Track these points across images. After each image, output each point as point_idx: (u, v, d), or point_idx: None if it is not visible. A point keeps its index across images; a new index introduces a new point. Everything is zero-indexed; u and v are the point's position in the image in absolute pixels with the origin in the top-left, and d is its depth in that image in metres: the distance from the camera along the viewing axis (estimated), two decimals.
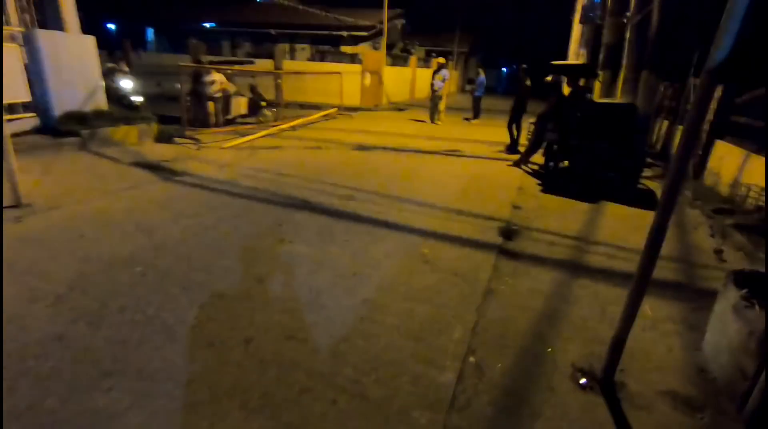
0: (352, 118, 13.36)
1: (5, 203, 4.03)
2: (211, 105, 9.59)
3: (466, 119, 13.69)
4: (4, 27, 6.29)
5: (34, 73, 6.06)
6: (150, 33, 24.48)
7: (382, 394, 2.03)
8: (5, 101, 5.90)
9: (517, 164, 7.27)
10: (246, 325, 2.51)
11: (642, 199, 5.76)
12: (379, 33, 19.64)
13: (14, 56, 5.74)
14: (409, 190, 5.57)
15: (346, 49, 20.83)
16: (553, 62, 6.52)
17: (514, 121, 8.62)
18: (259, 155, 7.41)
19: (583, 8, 9.37)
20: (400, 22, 23.04)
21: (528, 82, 8.51)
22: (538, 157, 7.46)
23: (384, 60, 17.06)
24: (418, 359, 2.29)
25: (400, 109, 16.79)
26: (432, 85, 11.86)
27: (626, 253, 3.88)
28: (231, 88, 10.78)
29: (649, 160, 7.06)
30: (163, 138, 7.71)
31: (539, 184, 6.28)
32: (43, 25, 7.14)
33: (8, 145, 3.87)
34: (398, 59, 21.03)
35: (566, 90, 7.25)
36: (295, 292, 2.92)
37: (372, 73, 16.70)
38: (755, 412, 1.86)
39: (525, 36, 40.07)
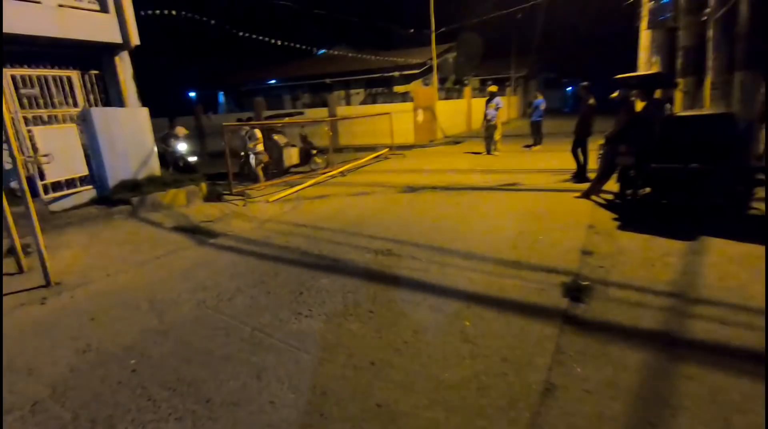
0: (405, 156, 13.00)
1: (35, 285, 4.02)
2: (255, 160, 9.68)
3: (527, 146, 12.70)
4: (69, 109, 6.83)
5: (90, 147, 6.43)
6: (221, 96, 26.76)
7: None
8: (65, 176, 6.29)
9: (586, 195, 6.26)
10: None
11: (755, 230, 4.51)
12: (430, 69, 19.56)
13: (71, 134, 6.12)
14: (455, 238, 4.88)
15: (399, 88, 20.97)
16: (618, 76, 5.60)
17: (579, 145, 7.61)
18: (302, 207, 7.19)
19: (651, 12, 8.28)
20: (451, 56, 22.89)
21: (591, 101, 7.50)
22: (612, 184, 6.38)
23: (435, 95, 16.78)
24: None
25: (456, 142, 16.19)
26: (485, 114, 11.18)
27: (751, 317, 2.83)
28: (282, 139, 10.99)
29: (759, 175, 5.67)
30: (212, 197, 7.82)
31: (615, 219, 5.24)
32: (107, 103, 7.73)
33: (36, 225, 3.87)
34: (451, 92, 20.67)
35: (639, 105, 6.21)
36: (293, 394, 2.35)
37: (424, 109, 16.42)
38: None
39: (590, 51, 37.95)
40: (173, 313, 3.42)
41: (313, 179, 9.58)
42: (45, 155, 5.87)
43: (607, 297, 3.25)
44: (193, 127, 17.39)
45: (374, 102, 18.43)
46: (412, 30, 17.57)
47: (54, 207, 6.14)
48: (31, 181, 5.75)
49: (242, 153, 10.12)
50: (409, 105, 16.73)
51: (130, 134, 6.87)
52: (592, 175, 6.95)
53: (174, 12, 13.41)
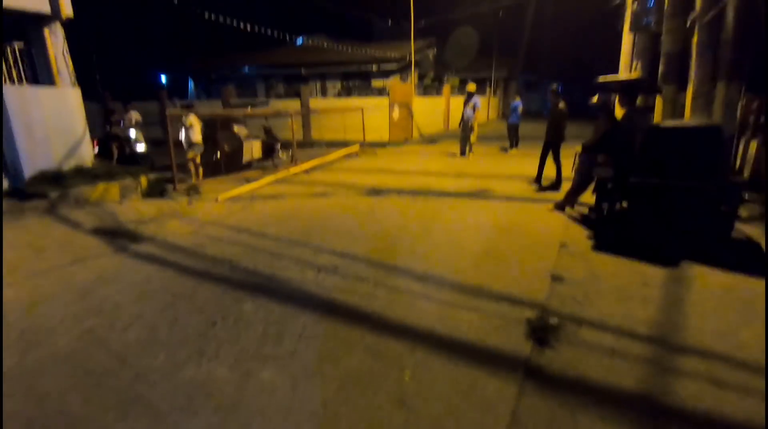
0: (376, 155, 12.38)
1: None
2: (190, 153, 8.65)
3: (504, 149, 12.27)
4: None
5: (2, 131, 5.56)
6: (191, 82, 25.46)
7: None
8: None
9: (560, 207, 5.78)
10: None
11: (743, 256, 4.10)
12: (410, 64, 18.93)
13: None
14: (413, 254, 4.30)
15: (377, 83, 20.29)
16: (600, 78, 5.12)
17: (552, 151, 7.17)
18: (253, 207, 6.48)
19: (635, 14, 7.89)
20: (431, 52, 22.29)
21: (561, 104, 7.05)
22: (588, 195, 5.92)
23: (413, 91, 16.17)
24: None
25: (433, 142, 15.66)
26: (462, 115, 10.66)
27: (747, 375, 2.34)
28: (242, 131, 10.20)
29: (744, 195, 5.31)
30: (154, 192, 7.02)
31: (590, 237, 4.77)
32: (35, 81, 6.81)
33: None
34: (430, 90, 20.11)
35: (619, 112, 5.76)
36: None
37: (400, 105, 15.81)
38: None
39: (572, 53, 37.88)
40: (45, 347, 2.71)
41: (273, 176, 8.85)
42: None
43: (577, 340, 2.72)
44: (157, 114, 16.29)
45: (349, 95, 17.73)
46: (389, 21, 16.83)
47: None
48: None
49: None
50: (384, 100, 16.10)
51: (54, 118, 6.01)
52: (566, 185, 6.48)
53: None
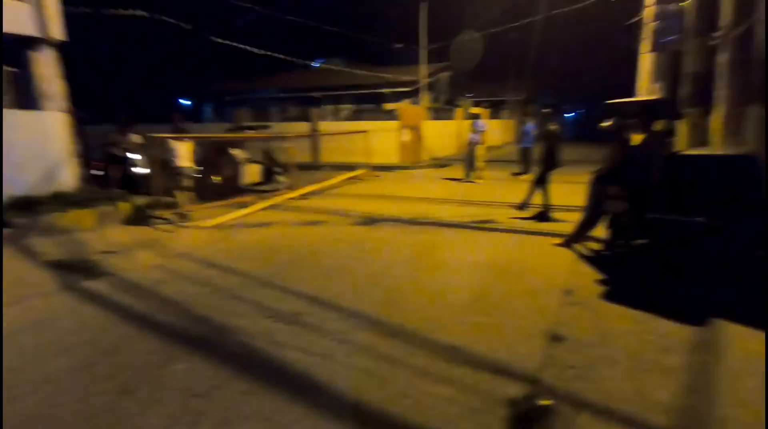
0: (381, 179, 11.93)
1: None
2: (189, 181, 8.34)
3: (515, 174, 11.64)
4: None
5: None
6: (208, 106, 25.92)
7: None
8: None
9: (568, 243, 5.13)
10: None
11: None
12: (424, 87, 18.68)
13: None
14: (392, 301, 3.73)
15: (389, 106, 20.10)
16: (611, 101, 4.54)
17: (541, 178, 6.61)
18: (235, 237, 6.06)
19: (655, 32, 7.32)
20: (445, 75, 22.09)
21: (554, 127, 6.52)
22: (600, 229, 5.25)
23: (422, 114, 15.82)
24: None
25: (443, 166, 15.15)
26: (468, 139, 10.17)
27: None
28: (240, 154, 9.92)
29: None
30: (138, 219, 6.68)
31: (600, 281, 4.11)
32: (25, 105, 6.66)
33: None
34: (442, 113, 19.75)
35: (636, 138, 5.13)
36: None
37: (411, 128, 15.44)
38: None
39: (598, 76, 37.05)
40: None
41: (268, 201, 8.47)
42: None
43: None
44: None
45: (359, 119, 17.50)
46: (399, 45, 16.66)
47: None
48: None
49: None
50: (394, 124, 15.77)
51: (31, 142, 5.79)
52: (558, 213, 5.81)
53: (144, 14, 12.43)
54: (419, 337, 3.06)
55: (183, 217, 7.43)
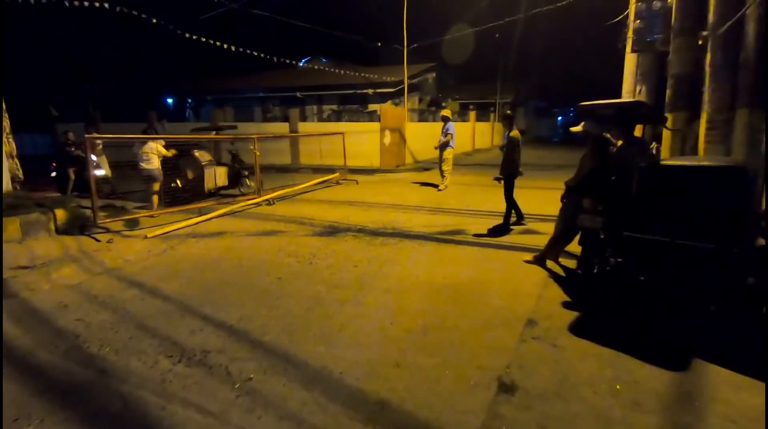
0: (357, 184, 11.38)
1: None
2: (155, 185, 7.88)
3: (496, 179, 11.12)
4: None
5: None
6: (188, 104, 25.19)
7: None
8: None
9: (539, 260, 4.63)
10: None
11: None
12: (408, 88, 18.15)
13: None
14: (322, 334, 3.19)
15: (374, 107, 19.56)
16: (583, 104, 4.05)
17: (504, 187, 6.21)
18: (178, 249, 5.49)
19: (636, 31, 6.87)
20: (431, 76, 21.59)
21: (514, 133, 6.10)
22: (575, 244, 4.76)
23: (405, 116, 15.28)
24: None
25: (426, 169, 14.63)
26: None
27: None
28: (204, 156, 9.33)
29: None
30: (75, 226, 6.08)
31: (569, 305, 3.61)
32: None
33: None
34: (426, 114, 19.26)
35: (618, 144, 4.64)
36: None
37: (392, 130, 14.91)
38: None
39: (586, 76, 36.85)
40: None
41: (229, 208, 7.89)
42: None
43: None
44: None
45: (339, 119, 16.96)
46: (378, 44, 16.14)
47: None
48: None
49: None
50: (375, 125, 15.25)
51: None
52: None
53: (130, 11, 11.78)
54: (342, 388, 2.52)
55: (133, 224, 6.86)
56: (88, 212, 6.38)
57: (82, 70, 27.67)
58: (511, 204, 6.26)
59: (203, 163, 9.12)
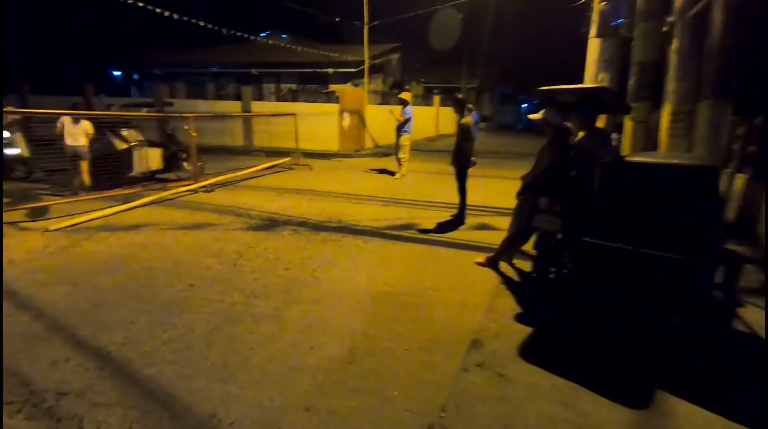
0: (310, 169, 10.66)
1: None
2: (83, 164, 7.09)
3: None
4: None
5: None
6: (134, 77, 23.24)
7: None
8: None
9: (492, 262, 4.19)
10: None
11: (748, 373, 2.56)
12: (371, 69, 17.36)
13: None
14: (218, 364, 2.59)
15: (334, 87, 18.66)
16: (543, 88, 3.57)
17: (456, 178, 5.73)
18: (81, 245, 4.69)
19: (602, 15, 6.49)
20: (395, 57, 20.82)
21: (465, 119, 5.59)
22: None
23: (365, 98, 14.56)
24: None
25: (386, 154, 14.03)
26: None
27: None
28: (133, 136, 8.33)
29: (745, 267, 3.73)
30: None
31: (521, 319, 3.17)
32: None
33: None
34: (390, 97, 18.58)
35: (579, 135, 4.21)
36: None
37: (352, 113, 14.17)
38: None
39: (552, 62, 36.95)
40: None
41: (157, 195, 7.03)
42: None
43: None
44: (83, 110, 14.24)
45: (296, 99, 16.01)
46: (337, 19, 15.22)
47: None
48: None
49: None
50: (334, 107, 14.46)
51: None
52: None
53: None
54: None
55: (39, 213, 5.94)
56: None
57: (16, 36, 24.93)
58: (465, 196, 5.78)
59: (132, 144, 8.14)
